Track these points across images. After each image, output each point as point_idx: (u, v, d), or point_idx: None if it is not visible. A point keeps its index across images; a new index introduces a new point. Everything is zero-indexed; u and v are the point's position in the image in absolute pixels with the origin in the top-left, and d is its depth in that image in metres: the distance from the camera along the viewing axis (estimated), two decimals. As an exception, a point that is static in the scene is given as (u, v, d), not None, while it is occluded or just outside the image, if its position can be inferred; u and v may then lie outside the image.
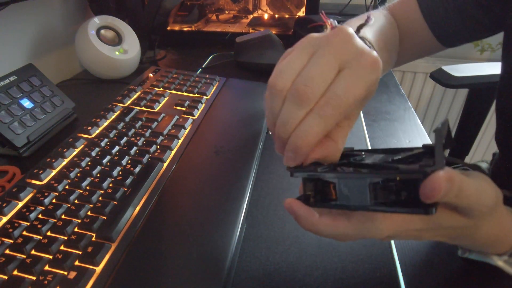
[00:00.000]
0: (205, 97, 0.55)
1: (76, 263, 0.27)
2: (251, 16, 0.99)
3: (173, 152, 0.41)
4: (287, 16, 0.96)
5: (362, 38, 0.36)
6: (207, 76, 0.61)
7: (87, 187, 0.35)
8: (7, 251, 0.28)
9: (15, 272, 0.27)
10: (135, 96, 0.53)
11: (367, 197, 0.21)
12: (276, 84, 0.23)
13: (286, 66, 0.23)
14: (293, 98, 0.22)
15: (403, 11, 0.50)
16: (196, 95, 0.55)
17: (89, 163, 0.38)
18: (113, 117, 0.47)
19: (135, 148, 0.41)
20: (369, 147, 0.50)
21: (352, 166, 0.24)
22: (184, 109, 0.51)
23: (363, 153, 0.26)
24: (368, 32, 0.39)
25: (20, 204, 0.33)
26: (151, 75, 0.60)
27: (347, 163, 0.24)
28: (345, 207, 0.22)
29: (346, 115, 0.24)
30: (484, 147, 1.46)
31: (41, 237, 0.29)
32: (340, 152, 0.24)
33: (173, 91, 0.56)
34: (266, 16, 0.98)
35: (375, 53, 0.22)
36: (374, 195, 0.21)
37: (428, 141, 0.52)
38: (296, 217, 0.24)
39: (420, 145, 0.23)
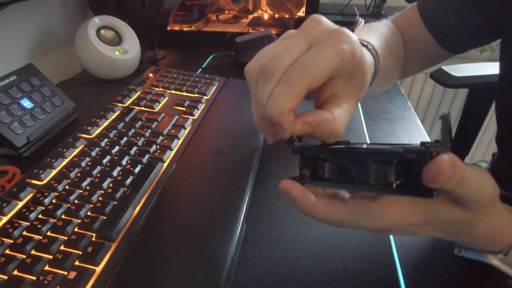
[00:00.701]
0: (205, 97, 0.55)
1: (76, 263, 0.27)
2: (251, 16, 0.99)
3: (173, 152, 0.41)
4: (287, 16, 0.96)
5: (365, 43, 0.36)
6: (207, 76, 0.61)
7: (87, 187, 0.35)
8: (7, 251, 0.28)
9: (15, 272, 0.27)
10: (135, 96, 0.53)
11: (368, 176, 0.20)
12: (248, 68, 0.24)
13: (258, 54, 0.25)
14: (261, 74, 0.23)
15: (406, 21, 0.50)
16: (196, 95, 0.55)
17: (89, 163, 0.38)
18: (113, 117, 0.47)
19: (135, 148, 0.41)
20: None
21: (352, 149, 0.23)
22: (184, 109, 0.51)
23: (362, 144, 0.26)
24: (372, 39, 0.38)
25: (20, 204, 0.33)
26: (151, 75, 0.60)
27: (347, 147, 0.23)
28: (343, 186, 0.22)
29: (333, 91, 0.25)
30: (484, 147, 1.46)
31: (41, 237, 0.29)
32: (337, 122, 0.24)
33: (173, 91, 0.56)
34: (266, 16, 0.98)
35: (345, 29, 0.22)
36: (374, 176, 0.20)
37: (427, 141, 0.52)
38: (292, 199, 0.23)
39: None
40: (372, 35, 0.40)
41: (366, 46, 0.36)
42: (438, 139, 0.18)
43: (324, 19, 0.23)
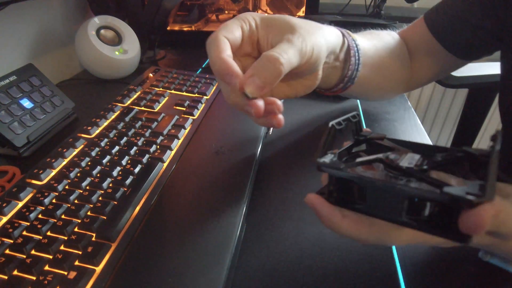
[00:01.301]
0: (205, 97, 0.55)
1: (76, 263, 0.27)
2: (251, 16, 0.99)
3: (173, 152, 0.41)
4: (287, 16, 0.96)
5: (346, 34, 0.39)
6: (207, 76, 0.61)
7: (87, 187, 0.35)
8: (7, 251, 0.28)
9: (15, 272, 0.27)
10: (135, 96, 0.53)
11: (401, 212, 0.19)
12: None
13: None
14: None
15: (414, 33, 0.50)
16: (196, 95, 0.55)
17: (89, 163, 0.38)
18: (113, 117, 0.47)
19: (135, 148, 0.41)
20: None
21: (386, 166, 0.22)
22: (184, 109, 0.51)
23: (397, 146, 0.25)
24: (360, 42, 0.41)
25: (20, 204, 0.33)
26: (151, 75, 0.60)
27: (380, 160, 0.22)
28: (372, 215, 0.21)
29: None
30: (484, 147, 1.46)
31: (41, 237, 0.29)
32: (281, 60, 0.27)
33: (173, 91, 0.56)
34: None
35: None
36: (407, 212, 0.19)
37: (427, 140, 0.52)
38: (318, 214, 0.23)
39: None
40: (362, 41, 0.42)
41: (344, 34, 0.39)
42: (483, 183, 0.17)
43: None
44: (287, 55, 0.27)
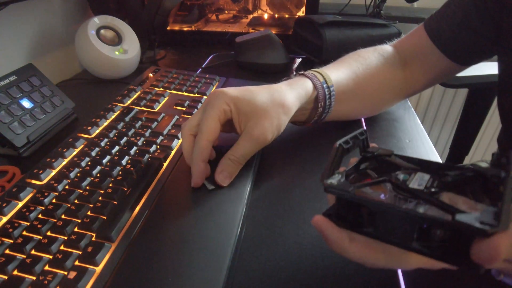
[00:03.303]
0: (205, 97, 0.55)
1: (76, 263, 0.27)
2: (251, 16, 0.99)
3: (173, 152, 0.41)
4: (287, 16, 0.96)
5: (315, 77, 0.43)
6: (207, 76, 0.61)
7: (87, 187, 0.35)
8: (7, 251, 0.28)
9: (15, 272, 0.27)
10: (135, 96, 0.53)
11: (411, 237, 0.19)
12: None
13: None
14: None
15: (414, 41, 0.50)
16: (196, 95, 0.55)
17: (89, 163, 0.38)
18: (113, 117, 0.47)
19: (135, 148, 0.41)
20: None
21: (394, 187, 0.21)
22: (184, 109, 0.51)
23: (405, 164, 0.24)
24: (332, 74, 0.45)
25: (20, 204, 0.33)
26: (151, 75, 0.60)
27: (388, 180, 0.22)
28: (381, 240, 0.20)
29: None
30: (484, 147, 1.46)
31: (41, 237, 0.29)
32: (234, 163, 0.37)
33: (173, 91, 0.56)
34: (266, 16, 0.98)
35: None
36: (417, 239, 0.19)
37: (427, 141, 0.52)
38: (325, 238, 0.22)
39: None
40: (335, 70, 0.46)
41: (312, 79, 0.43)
42: (497, 210, 0.16)
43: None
44: (244, 154, 0.37)
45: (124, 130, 0.44)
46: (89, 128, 0.44)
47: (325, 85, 0.43)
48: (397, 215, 0.19)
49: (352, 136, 0.26)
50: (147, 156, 0.40)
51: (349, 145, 0.25)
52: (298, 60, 0.81)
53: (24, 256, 0.28)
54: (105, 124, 0.46)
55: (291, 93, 0.40)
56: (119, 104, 0.50)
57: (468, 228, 0.16)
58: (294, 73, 0.45)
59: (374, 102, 0.52)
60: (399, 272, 0.32)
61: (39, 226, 0.30)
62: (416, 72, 0.50)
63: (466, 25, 0.44)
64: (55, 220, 0.31)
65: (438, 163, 0.23)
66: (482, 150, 1.47)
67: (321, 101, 0.43)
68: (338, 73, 0.46)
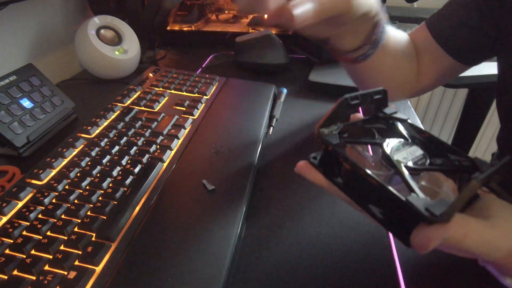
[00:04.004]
0: (205, 97, 0.55)
1: (76, 263, 0.27)
2: (251, 16, 0.99)
3: (173, 152, 0.41)
4: (287, 16, 0.96)
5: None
6: (207, 76, 0.61)
7: (87, 187, 0.35)
8: (7, 251, 0.28)
9: (15, 272, 0.27)
10: (135, 96, 0.53)
11: (370, 201, 0.20)
12: None
13: None
14: None
15: (416, 39, 0.50)
16: (196, 95, 0.55)
17: (89, 163, 0.38)
18: (113, 117, 0.47)
19: (135, 148, 0.41)
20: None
21: (382, 153, 0.22)
22: (184, 109, 0.51)
23: (410, 134, 0.24)
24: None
25: (20, 204, 0.33)
26: (151, 75, 0.60)
27: (379, 145, 0.23)
28: (346, 193, 0.22)
29: None
30: (483, 147, 1.46)
31: (41, 237, 0.29)
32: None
33: (173, 91, 0.56)
34: (266, 16, 0.98)
35: None
36: (376, 201, 0.20)
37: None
38: (307, 179, 0.25)
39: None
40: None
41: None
42: (449, 203, 0.17)
43: None
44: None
45: (124, 130, 0.44)
46: (89, 128, 0.44)
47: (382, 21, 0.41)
48: (363, 177, 0.20)
49: (364, 94, 0.25)
50: (147, 156, 0.40)
51: (357, 101, 0.24)
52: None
53: (24, 256, 0.28)
54: (105, 124, 0.46)
55: None
56: (119, 104, 0.50)
57: (413, 209, 0.17)
58: None
59: (393, 79, 0.49)
60: (399, 272, 0.32)
61: (39, 226, 0.30)
62: (423, 72, 0.50)
63: (467, 24, 0.44)
64: (55, 220, 0.31)
65: (445, 145, 0.23)
66: (482, 150, 1.47)
67: (378, 28, 0.40)
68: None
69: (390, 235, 0.36)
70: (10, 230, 0.29)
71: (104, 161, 0.38)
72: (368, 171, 0.20)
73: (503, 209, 0.22)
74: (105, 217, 0.31)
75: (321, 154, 0.24)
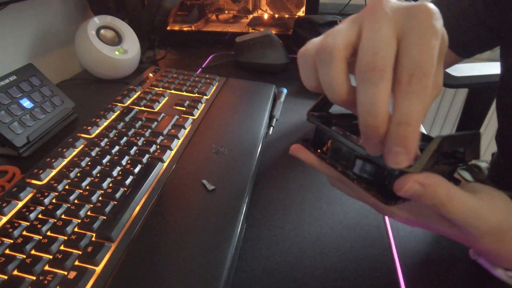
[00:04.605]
0: (205, 97, 0.55)
1: (76, 263, 0.27)
2: (251, 16, 0.99)
3: (173, 152, 0.41)
4: (287, 16, 0.96)
5: None
6: (207, 76, 0.61)
7: (87, 187, 0.35)
8: (7, 251, 0.28)
9: (15, 272, 0.27)
10: (135, 96, 0.53)
11: (350, 167, 0.23)
12: (327, 45, 0.19)
13: (334, 32, 0.20)
14: (365, 74, 0.18)
15: None
16: (196, 95, 0.55)
17: (89, 163, 0.38)
18: (113, 117, 0.47)
19: (135, 148, 0.41)
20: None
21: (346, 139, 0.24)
22: (184, 109, 0.51)
23: None
24: None
25: (20, 204, 0.33)
26: (151, 75, 0.60)
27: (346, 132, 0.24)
28: (330, 165, 0.24)
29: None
30: (484, 147, 1.46)
31: (41, 237, 0.29)
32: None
33: (173, 91, 0.56)
34: (266, 16, 0.98)
35: (424, 3, 0.19)
36: (359, 168, 0.23)
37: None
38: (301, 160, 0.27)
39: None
40: None
41: None
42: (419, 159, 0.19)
43: (393, 1, 0.19)
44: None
45: (124, 130, 0.44)
46: (89, 128, 0.44)
47: None
48: (345, 147, 0.23)
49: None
50: (147, 156, 0.40)
51: None
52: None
53: (24, 256, 0.28)
54: (105, 124, 0.46)
55: None
56: (119, 104, 0.50)
57: (384, 166, 0.20)
58: None
59: None
60: (399, 272, 0.32)
61: (39, 226, 0.30)
62: None
63: (472, 15, 0.43)
64: (55, 220, 0.31)
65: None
66: (482, 150, 1.47)
67: None
68: None
69: (390, 235, 0.36)
70: (10, 230, 0.29)
71: (104, 161, 0.38)
72: (350, 142, 0.22)
73: (490, 190, 0.23)
74: (105, 217, 0.31)
75: (313, 136, 0.26)
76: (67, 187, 0.35)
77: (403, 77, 0.18)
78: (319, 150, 0.26)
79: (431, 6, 0.19)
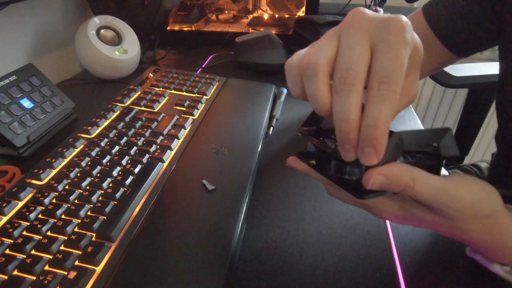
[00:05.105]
0: (205, 97, 0.55)
1: (76, 263, 0.27)
2: (251, 16, 0.99)
3: (173, 152, 0.41)
4: (287, 16, 0.96)
5: None
6: (207, 76, 0.61)
7: (87, 187, 0.35)
8: (7, 251, 0.28)
9: (15, 272, 0.27)
10: (135, 96, 0.53)
11: (334, 170, 0.25)
12: (310, 62, 0.21)
13: (317, 49, 0.21)
14: (339, 86, 0.20)
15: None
16: (196, 95, 0.55)
17: (89, 163, 0.38)
18: (113, 117, 0.47)
19: (135, 148, 0.41)
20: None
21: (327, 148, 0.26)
22: (184, 109, 0.51)
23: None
24: None
25: (20, 204, 0.33)
26: (151, 75, 0.60)
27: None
28: (318, 171, 0.26)
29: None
30: (484, 147, 1.46)
31: (41, 237, 0.29)
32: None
33: (173, 91, 0.56)
34: (266, 16, 0.98)
35: (397, 16, 0.21)
36: (336, 170, 0.24)
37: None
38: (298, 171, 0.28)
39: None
40: None
41: None
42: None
43: (369, 12, 0.21)
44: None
45: (124, 130, 0.44)
46: (89, 128, 0.44)
47: None
48: (327, 154, 0.25)
49: None
50: (147, 156, 0.40)
51: None
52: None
53: (24, 256, 0.28)
54: (105, 124, 0.46)
55: None
56: (119, 104, 0.50)
57: (357, 164, 0.22)
58: None
59: None
60: (399, 272, 0.32)
61: (39, 226, 0.30)
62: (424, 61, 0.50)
63: (467, 14, 0.44)
64: (55, 220, 0.31)
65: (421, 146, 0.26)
66: (482, 150, 1.47)
67: None
68: None
69: (390, 235, 0.36)
70: (10, 230, 0.29)
71: (104, 161, 0.38)
72: (330, 150, 0.24)
73: (469, 177, 0.24)
74: (105, 217, 0.31)
75: (305, 149, 0.28)
76: (67, 187, 0.35)
77: (373, 83, 0.20)
78: (310, 160, 0.28)
79: (403, 18, 0.20)
